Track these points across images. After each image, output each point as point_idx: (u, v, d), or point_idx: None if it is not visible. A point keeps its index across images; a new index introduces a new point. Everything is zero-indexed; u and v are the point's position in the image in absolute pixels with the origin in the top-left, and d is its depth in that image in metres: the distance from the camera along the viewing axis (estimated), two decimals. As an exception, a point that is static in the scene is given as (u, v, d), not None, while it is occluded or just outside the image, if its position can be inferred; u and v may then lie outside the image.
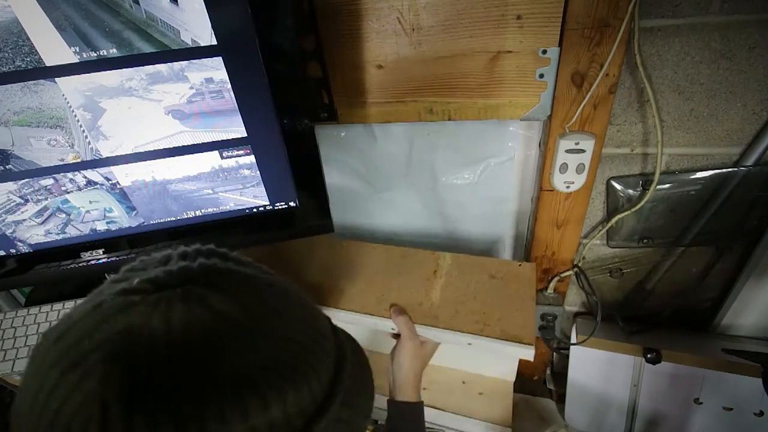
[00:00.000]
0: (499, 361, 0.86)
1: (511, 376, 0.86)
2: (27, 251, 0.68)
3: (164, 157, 0.60)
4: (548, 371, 0.99)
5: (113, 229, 0.68)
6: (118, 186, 0.63)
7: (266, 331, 0.26)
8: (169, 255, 0.28)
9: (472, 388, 0.87)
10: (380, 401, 0.97)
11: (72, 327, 0.24)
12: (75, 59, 0.51)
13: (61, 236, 0.67)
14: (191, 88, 0.54)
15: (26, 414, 0.23)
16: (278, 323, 0.27)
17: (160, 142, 0.59)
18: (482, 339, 0.60)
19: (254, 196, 0.66)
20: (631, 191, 0.67)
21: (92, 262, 0.70)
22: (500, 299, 0.65)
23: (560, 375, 0.96)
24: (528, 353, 0.58)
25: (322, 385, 0.28)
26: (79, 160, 0.59)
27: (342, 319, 0.67)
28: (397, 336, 0.65)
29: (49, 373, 0.22)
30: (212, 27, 0.50)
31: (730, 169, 0.61)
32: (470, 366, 0.89)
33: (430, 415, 0.85)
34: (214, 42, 0.51)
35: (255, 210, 0.68)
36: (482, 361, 0.87)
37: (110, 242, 0.69)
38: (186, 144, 0.59)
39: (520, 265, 0.70)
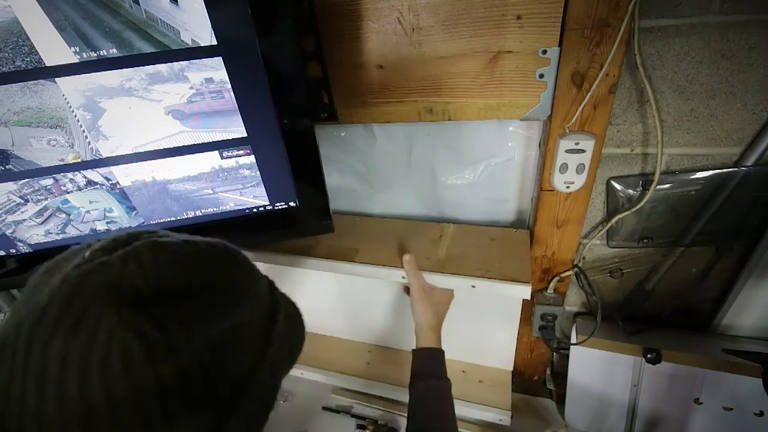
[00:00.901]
0: (496, 351, 0.91)
1: (509, 366, 0.94)
2: (27, 251, 0.68)
3: (164, 157, 0.60)
4: (548, 371, 0.99)
5: (113, 229, 0.68)
6: (118, 186, 0.63)
7: (211, 259, 0.33)
8: (87, 242, 0.31)
9: (473, 376, 0.94)
10: (405, 395, 0.98)
11: (47, 307, 0.26)
12: (75, 59, 0.51)
13: (61, 236, 0.67)
14: (191, 88, 0.54)
15: (35, 389, 0.24)
16: (216, 252, 0.34)
17: (160, 142, 0.59)
18: (485, 281, 0.67)
19: (254, 196, 0.66)
20: (631, 191, 0.67)
21: (92, 262, 0.70)
22: (499, 254, 0.73)
23: (560, 375, 0.96)
24: (525, 291, 0.65)
25: (267, 296, 0.38)
26: (79, 160, 0.59)
27: (357, 272, 0.74)
28: (408, 290, 0.72)
29: (49, 345, 0.24)
30: (212, 27, 0.50)
31: (730, 169, 0.61)
32: (470, 357, 0.96)
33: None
34: (214, 42, 0.51)
35: (255, 210, 0.68)
36: (480, 350, 0.93)
37: (110, 242, 0.69)
38: (186, 144, 0.59)
39: (515, 231, 0.79)
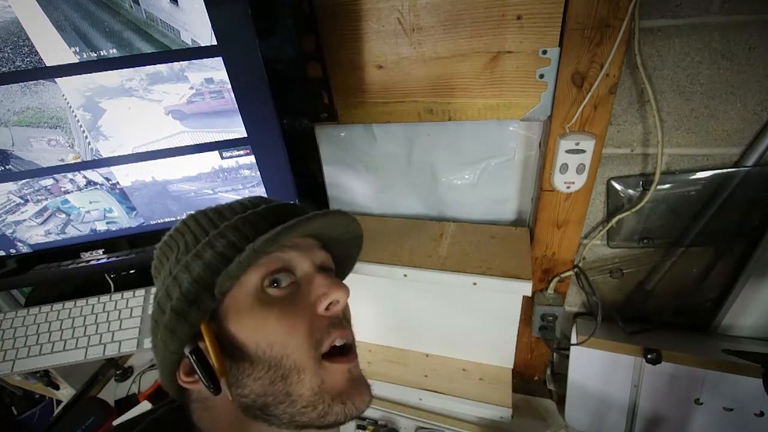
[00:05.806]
0: (496, 349, 0.92)
1: (509, 364, 0.94)
2: (27, 251, 0.68)
3: (164, 158, 0.60)
4: (548, 372, 0.99)
5: (113, 229, 0.68)
6: (118, 186, 0.63)
7: None
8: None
9: (473, 374, 0.94)
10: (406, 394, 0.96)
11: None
12: (75, 59, 0.51)
13: (61, 236, 0.67)
14: (191, 88, 0.54)
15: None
16: None
17: (160, 142, 0.59)
18: (486, 278, 0.67)
19: (254, 197, 0.66)
20: (631, 191, 0.67)
21: (92, 262, 0.70)
22: (500, 251, 0.73)
23: (560, 375, 0.96)
24: (526, 287, 0.66)
25: None
26: (79, 161, 0.59)
27: (360, 270, 0.74)
28: None
29: None
30: (212, 27, 0.50)
31: (730, 170, 0.61)
32: (470, 355, 0.97)
33: (432, 400, 0.91)
34: (214, 42, 0.51)
35: (255, 210, 0.68)
36: (481, 348, 0.94)
37: (110, 242, 0.69)
38: (186, 144, 0.59)
39: (515, 229, 0.80)
